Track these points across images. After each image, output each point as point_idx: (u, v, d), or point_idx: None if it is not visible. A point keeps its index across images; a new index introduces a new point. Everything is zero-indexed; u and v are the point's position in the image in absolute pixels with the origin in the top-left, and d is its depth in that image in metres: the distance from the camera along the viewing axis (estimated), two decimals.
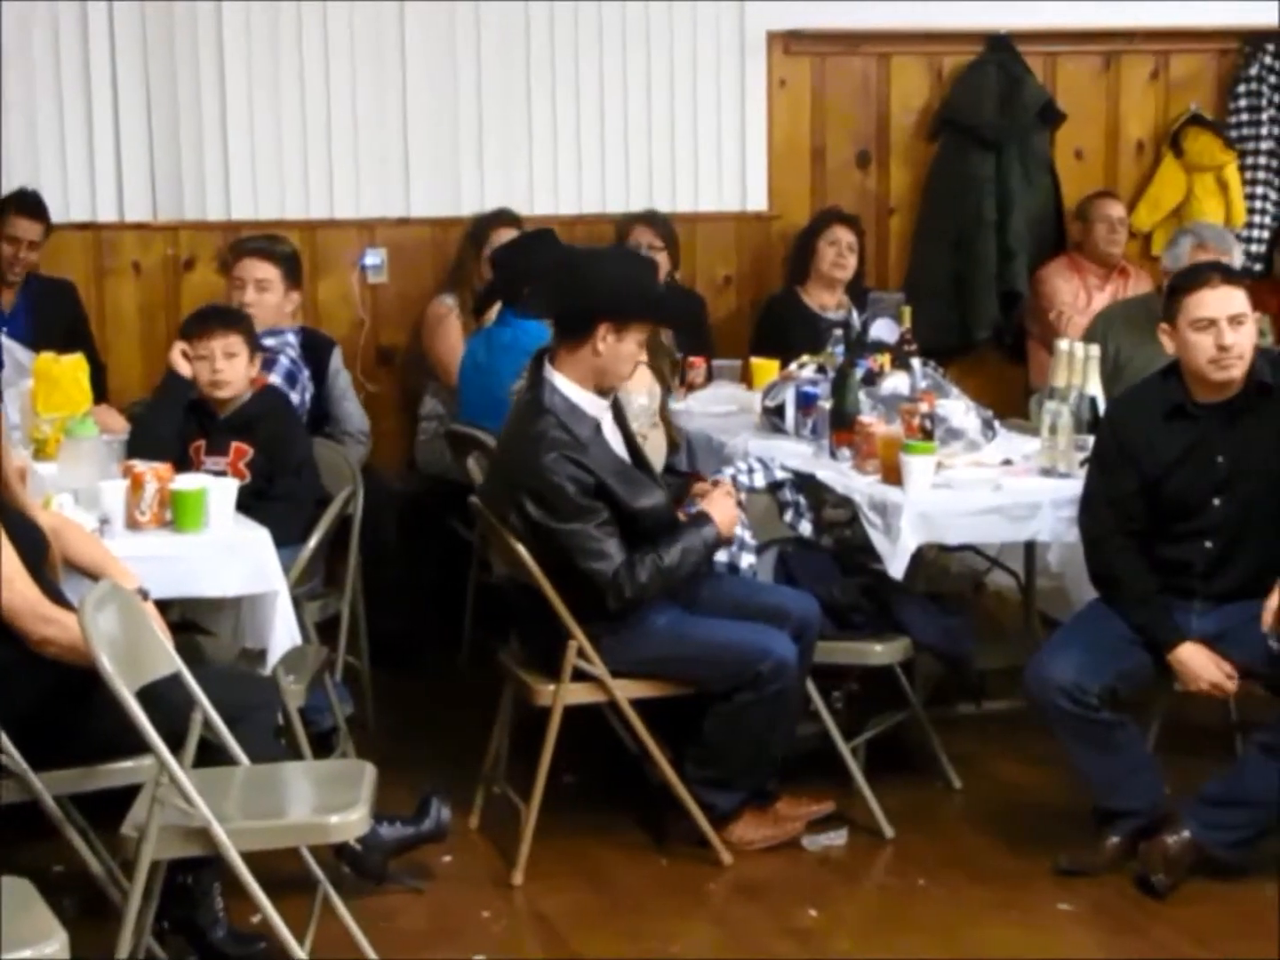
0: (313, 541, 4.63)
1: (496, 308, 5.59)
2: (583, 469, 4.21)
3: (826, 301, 6.50)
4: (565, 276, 4.44)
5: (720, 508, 4.39)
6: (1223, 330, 4.18)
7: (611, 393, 4.38)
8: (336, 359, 5.82)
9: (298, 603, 4.41)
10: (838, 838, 4.50)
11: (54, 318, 5.96)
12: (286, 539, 4.45)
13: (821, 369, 5.37)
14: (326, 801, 3.58)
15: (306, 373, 5.42)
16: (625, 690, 4.32)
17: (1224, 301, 4.20)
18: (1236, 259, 5.56)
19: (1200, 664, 4.20)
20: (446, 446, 5.79)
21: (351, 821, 3.48)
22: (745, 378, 6.04)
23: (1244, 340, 4.21)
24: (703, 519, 4.36)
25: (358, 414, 5.86)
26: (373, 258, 6.52)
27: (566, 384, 4.29)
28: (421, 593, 5.82)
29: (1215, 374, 4.21)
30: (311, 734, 4.51)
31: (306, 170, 6.42)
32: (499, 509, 4.33)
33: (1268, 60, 7.16)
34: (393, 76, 6.47)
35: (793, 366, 5.51)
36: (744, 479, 4.69)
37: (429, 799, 4.25)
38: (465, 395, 5.64)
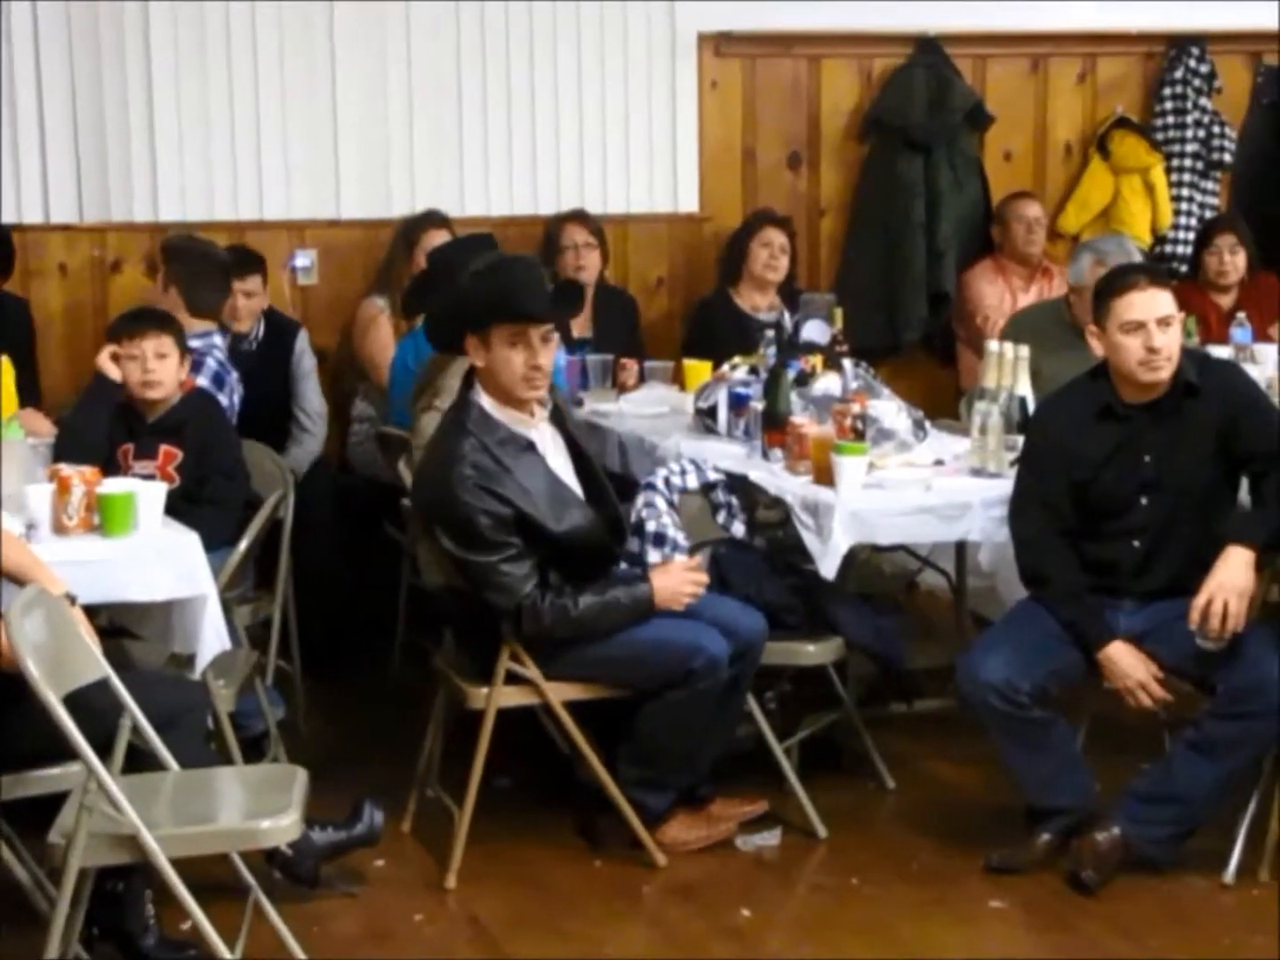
0: (243, 545, 4.60)
1: None
2: (499, 500, 4.13)
3: (759, 303, 6.51)
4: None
5: (667, 577, 4.30)
6: (1151, 332, 4.21)
7: (540, 406, 4.32)
8: (302, 340, 6.02)
9: (228, 607, 4.38)
10: (771, 838, 4.51)
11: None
12: (216, 542, 4.42)
13: (754, 370, 5.38)
14: (257, 806, 3.56)
15: (235, 374, 5.39)
16: (558, 692, 4.31)
17: (1152, 304, 4.24)
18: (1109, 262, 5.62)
19: (1128, 663, 4.23)
20: (378, 449, 5.78)
21: (283, 826, 3.46)
22: (678, 379, 6.04)
23: (1172, 341, 4.24)
24: (640, 579, 4.30)
25: (316, 398, 6.02)
26: (303, 259, 6.49)
27: (490, 402, 4.24)
28: (354, 596, 5.79)
29: (1145, 375, 4.24)
30: (242, 739, 4.49)
31: (235, 171, 6.38)
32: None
33: (1192, 63, 7.23)
34: (322, 76, 6.43)
35: (725, 368, 5.51)
36: (677, 480, 4.69)
37: (361, 803, 4.23)
38: (396, 397, 5.61)
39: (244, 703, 4.54)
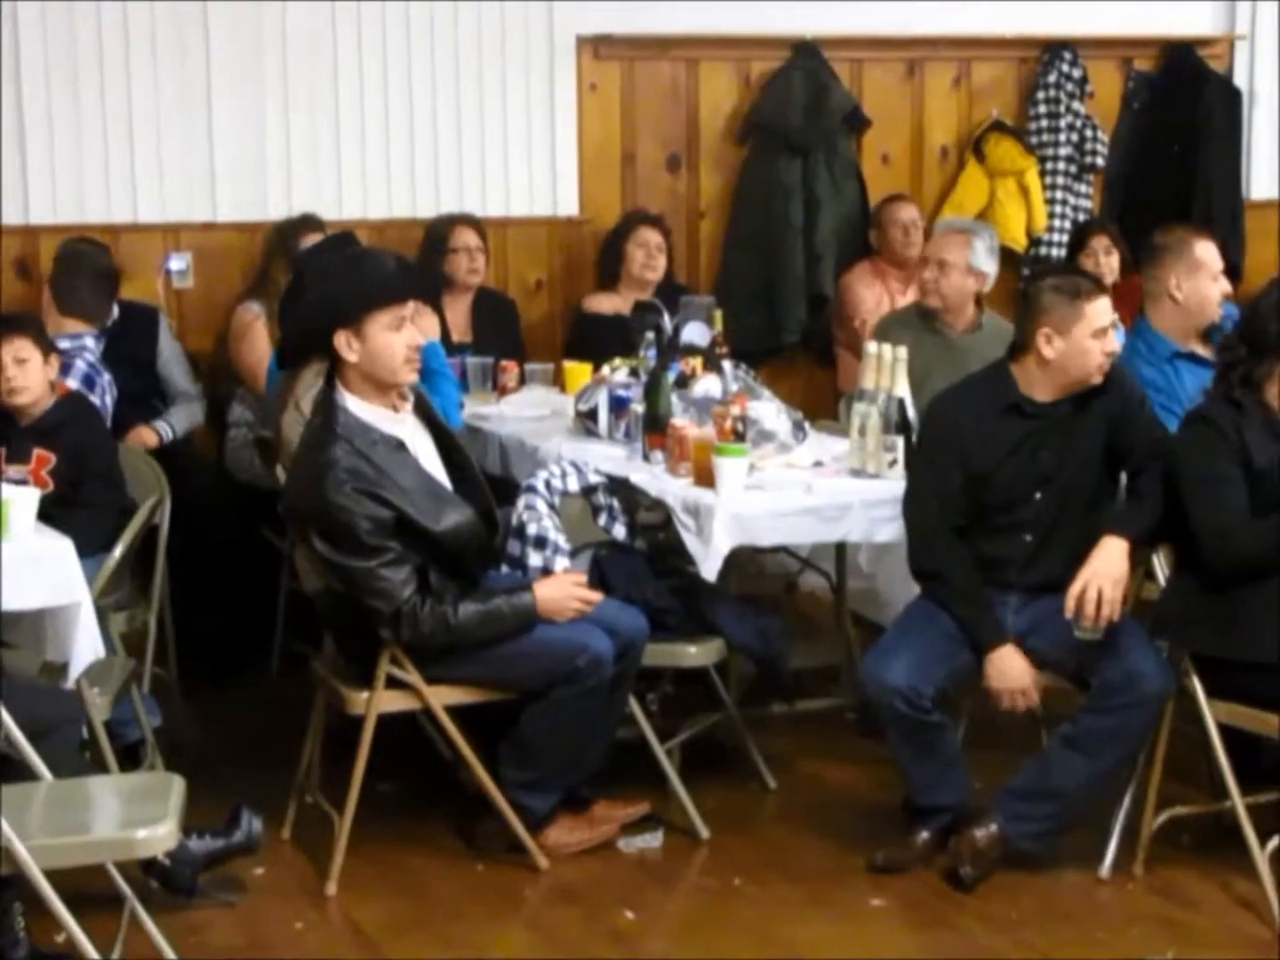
0: (118, 551, 4.54)
1: None
2: (378, 502, 4.08)
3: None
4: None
5: (553, 589, 4.29)
6: (1110, 336, 4.34)
7: (406, 400, 4.29)
8: (163, 324, 5.98)
9: (102, 614, 4.33)
10: (653, 839, 4.52)
11: None
12: (91, 548, 4.36)
13: (634, 372, 5.38)
14: (133, 816, 3.51)
15: (107, 376, 5.32)
16: (440, 697, 4.29)
17: (1109, 308, 4.37)
18: (978, 248, 5.70)
19: (1015, 667, 4.27)
20: (255, 453, 5.72)
21: (159, 836, 3.41)
22: (558, 381, 6.04)
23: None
24: (524, 588, 4.27)
25: (186, 381, 6.00)
26: (177, 262, 6.41)
27: (357, 403, 4.18)
28: (232, 601, 5.73)
29: (1098, 377, 4.33)
30: (118, 747, 4.43)
31: (108, 173, 6.29)
32: None
33: (1065, 68, 7.33)
34: (197, 77, 6.35)
35: (605, 370, 5.51)
36: (557, 483, 4.68)
37: (239, 810, 4.19)
38: (271, 402, 5.56)
39: (119, 710, 4.47)
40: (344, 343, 4.12)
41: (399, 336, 4.13)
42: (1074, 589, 4.13)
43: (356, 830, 4.29)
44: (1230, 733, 4.17)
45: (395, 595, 4.11)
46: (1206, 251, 5.14)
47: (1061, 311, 4.32)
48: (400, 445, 4.22)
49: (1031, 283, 4.50)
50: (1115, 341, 4.36)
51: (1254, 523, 4.07)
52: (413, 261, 4.54)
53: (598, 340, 6.11)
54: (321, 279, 4.25)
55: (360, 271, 4.22)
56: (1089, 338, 4.30)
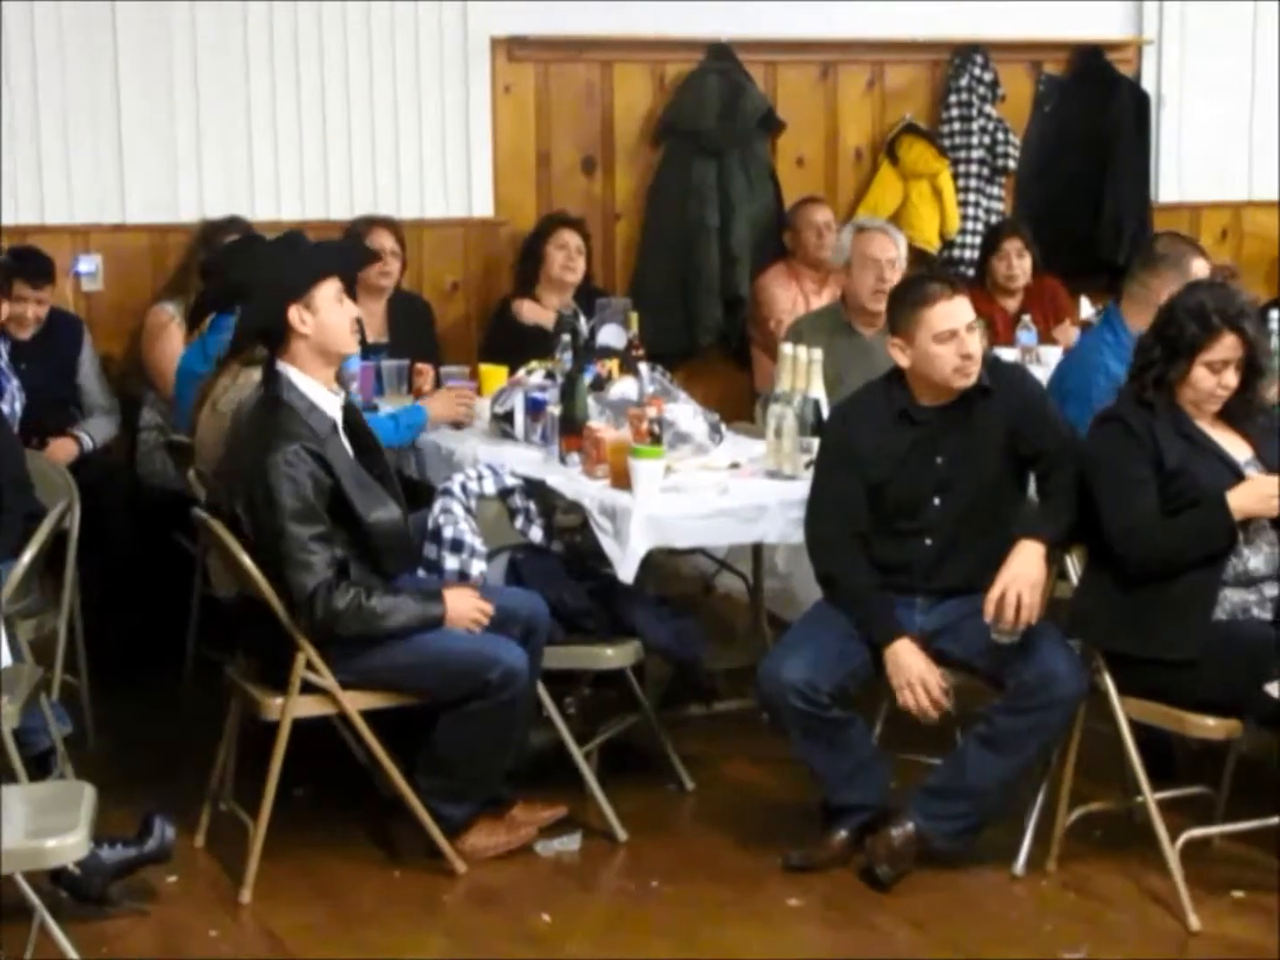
0: (26, 557, 4.48)
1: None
2: (323, 466, 4.15)
3: (557, 306, 6.51)
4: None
5: (460, 601, 4.30)
6: (963, 339, 4.30)
7: (335, 383, 4.35)
8: (86, 336, 5.97)
9: (10, 621, 4.28)
10: (571, 842, 4.51)
11: None
12: None
13: (550, 375, 5.37)
14: (42, 825, 3.47)
15: (15, 382, 5.26)
16: (355, 702, 4.27)
17: (961, 311, 4.33)
18: (902, 245, 5.77)
19: (907, 661, 4.28)
20: (167, 457, 5.67)
21: (69, 845, 3.38)
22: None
23: (978, 345, 4.35)
24: (437, 596, 4.29)
25: (104, 396, 5.97)
26: (87, 265, 6.33)
27: (302, 378, 4.26)
28: (144, 607, 5.67)
29: (959, 382, 4.33)
30: (27, 756, 4.36)
31: (15, 174, 6.20)
32: (228, 513, 4.24)
33: (977, 71, 7.38)
34: (105, 76, 6.28)
35: (521, 373, 5.50)
36: (473, 486, 4.67)
37: (152, 818, 4.15)
38: (183, 406, 5.51)
39: (28, 719, 4.41)
40: (297, 317, 4.24)
41: (343, 308, 4.29)
42: (993, 594, 4.16)
43: (271, 837, 4.25)
44: (1142, 729, 4.21)
45: (319, 571, 4.12)
46: (1203, 271, 5.17)
47: (904, 320, 4.34)
48: (335, 428, 4.28)
49: (889, 294, 4.52)
50: (970, 344, 4.29)
51: (1164, 523, 4.11)
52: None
53: (523, 345, 6.10)
54: (262, 265, 4.41)
55: (298, 249, 4.43)
56: (933, 343, 4.30)
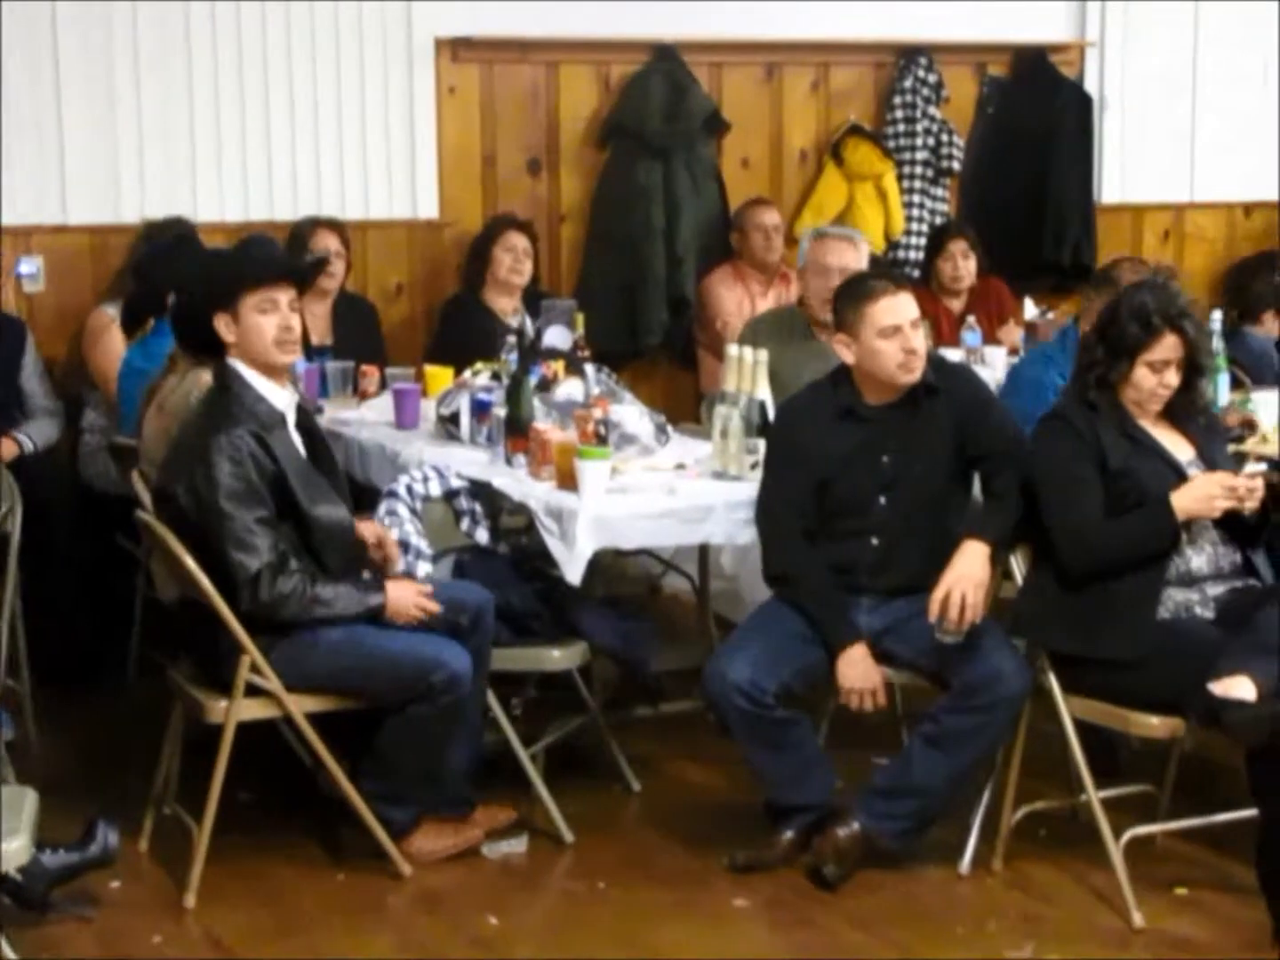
0: None
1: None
2: (267, 452, 4.16)
3: (504, 307, 6.51)
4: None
5: (401, 591, 4.29)
6: (907, 335, 4.32)
7: (288, 382, 4.36)
8: (29, 340, 5.91)
9: None
10: (517, 844, 4.50)
11: None
12: None
13: (496, 376, 5.36)
14: None
15: None
16: (299, 704, 4.25)
17: (904, 307, 4.35)
18: (864, 252, 5.75)
19: (863, 669, 4.30)
20: (110, 459, 5.63)
21: (11, 850, 3.35)
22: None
23: (922, 342, 4.37)
24: (377, 586, 4.28)
25: (43, 395, 5.91)
26: (28, 266, 6.28)
27: (250, 373, 4.27)
28: (86, 610, 5.63)
29: (903, 378, 4.34)
30: None
31: None
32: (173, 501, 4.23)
33: (921, 73, 7.41)
34: (46, 76, 6.23)
35: (466, 374, 5.49)
36: (419, 488, 4.66)
37: (95, 823, 4.11)
38: (126, 408, 5.48)
39: None
40: (223, 325, 4.25)
41: (268, 319, 4.25)
42: (937, 594, 4.17)
43: (216, 841, 4.23)
44: (1086, 728, 4.23)
45: (263, 553, 4.12)
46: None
47: (848, 316, 4.37)
48: (283, 421, 4.28)
49: (834, 292, 4.53)
50: (914, 339, 4.32)
51: (1108, 523, 4.13)
52: (281, 250, 4.73)
53: (475, 336, 6.09)
54: (191, 272, 4.45)
55: (238, 254, 4.47)
56: (877, 338, 4.32)
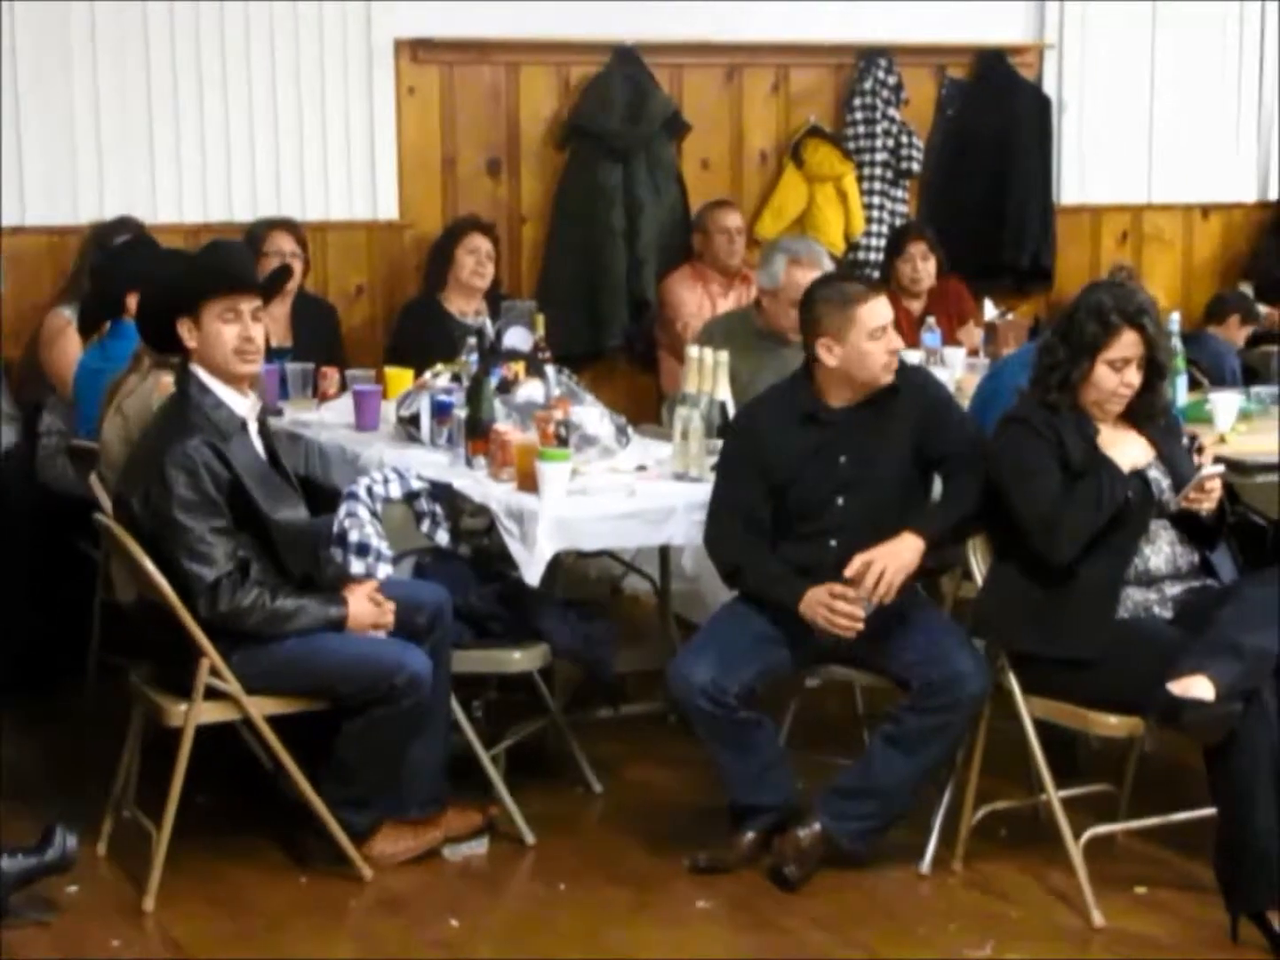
0: None
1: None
2: (222, 461, 4.14)
3: (465, 309, 6.49)
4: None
5: (362, 605, 4.27)
6: (891, 335, 4.36)
7: (254, 390, 4.34)
8: None
9: None
10: (479, 847, 4.49)
11: None
12: None
13: (456, 377, 5.35)
14: None
15: None
16: (259, 707, 4.23)
17: (886, 308, 4.39)
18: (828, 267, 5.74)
19: (820, 595, 4.25)
20: (68, 462, 5.60)
21: None
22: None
23: (900, 341, 4.42)
24: (339, 599, 4.26)
25: (3, 399, 5.89)
26: None
27: (211, 380, 4.25)
28: (45, 613, 5.60)
29: (886, 377, 4.37)
30: None
31: None
32: (128, 515, 4.21)
33: (881, 75, 7.43)
34: (3, 77, 6.19)
35: (427, 375, 5.47)
36: (379, 489, 4.64)
37: (53, 828, 4.09)
38: (84, 410, 5.45)
39: None
40: (185, 330, 4.24)
41: (230, 328, 4.23)
42: (862, 556, 4.21)
43: (175, 845, 4.21)
44: (1046, 728, 4.25)
45: (220, 563, 4.11)
46: None
47: (834, 320, 4.36)
48: (243, 427, 4.28)
49: (805, 295, 4.53)
50: (896, 339, 4.37)
51: (1065, 498, 4.12)
52: (248, 256, 4.69)
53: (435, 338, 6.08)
54: (154, 276, 4.44)
55: (203, 261, 4.41)
56: (866, 340, 4.34)
